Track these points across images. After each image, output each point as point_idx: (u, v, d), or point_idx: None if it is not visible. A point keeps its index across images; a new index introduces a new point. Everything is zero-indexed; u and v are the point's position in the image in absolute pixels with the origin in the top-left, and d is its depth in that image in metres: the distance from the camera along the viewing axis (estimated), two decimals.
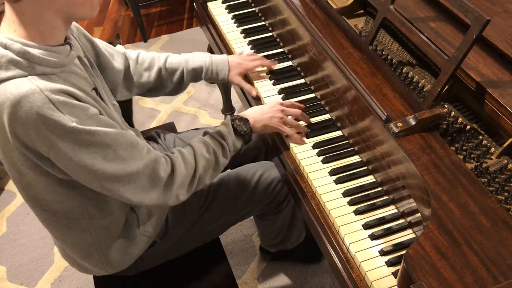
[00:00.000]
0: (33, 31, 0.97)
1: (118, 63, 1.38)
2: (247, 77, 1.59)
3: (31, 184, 1.08)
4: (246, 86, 1.54)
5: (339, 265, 1.15)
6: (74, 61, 1.07)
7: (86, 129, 0.98)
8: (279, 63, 1.60)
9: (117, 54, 1.39)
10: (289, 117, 1.37)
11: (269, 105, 1.37)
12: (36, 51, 0.96)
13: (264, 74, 1.57)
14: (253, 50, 1.66)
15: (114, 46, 1.42)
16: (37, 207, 1.14)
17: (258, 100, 1.53)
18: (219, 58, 1.51)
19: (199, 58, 1.49)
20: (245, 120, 1.31)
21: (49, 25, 0.99)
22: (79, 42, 1.20)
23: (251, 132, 1.32)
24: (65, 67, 1.02)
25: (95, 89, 1.12)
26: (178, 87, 1.51)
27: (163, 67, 1.46)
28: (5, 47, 0.94)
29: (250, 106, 1.58)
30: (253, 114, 1.34)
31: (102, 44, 1.34)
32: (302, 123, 1.39)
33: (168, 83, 1.48)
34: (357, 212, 1.18)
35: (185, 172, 1.16)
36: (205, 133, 1.29)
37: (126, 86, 1.44)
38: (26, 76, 0.94)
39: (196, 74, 1.50)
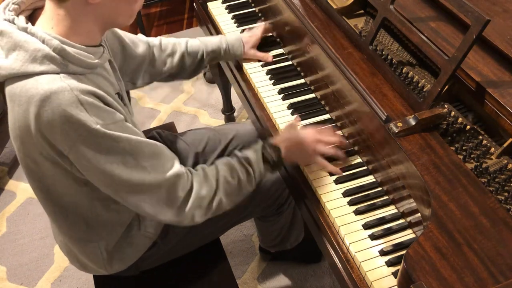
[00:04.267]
0: (71, 31, 0.99)
1: (141, 51, 1.41)
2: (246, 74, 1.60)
3: (46, 175, 1.08)
4: (261, 54, 1.60)
5: (339, 265, 1.15)
6: (105, 64, 1.08)
7: (109, 133, 0.98)
8: (279, 63, 1.60)
9: (140, 42, 1.42)
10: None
11: (305, 133, 1.27)
12: (72, 50, 0.97)
13: (264, 73, 1.57)
14: None
15: None
16: (47, 198, 1.15)
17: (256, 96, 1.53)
18: (233, 38, 1.58)
19: (216, 41, 1.55)
20: (276, 149, 1.23)
21: (86, 29, 1.01)
22: (107, 40, 1.23)
23: (281, 161, 1.24)
24: (96, 69, 1.03)
25: (119, 93, 1.13)
26: (196, 70, 1.56)
27: (186, 52, 1.50)
28: (44, 41, 0.95)
29: (250, 105, 1.58)
30: (286, 143, 1.24)
31: (125, 34, 1.38)
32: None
33: (188, 67, 1.53)
34: (357, 212, 1.18)
35: (203, 193, 1.13)
36: (233, 155, 1.23)
37: (150, 73, 1.47)
38: (58, 73, 0.95)
39: (215, 55, 1.56)
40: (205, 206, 1.14)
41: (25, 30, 0.96)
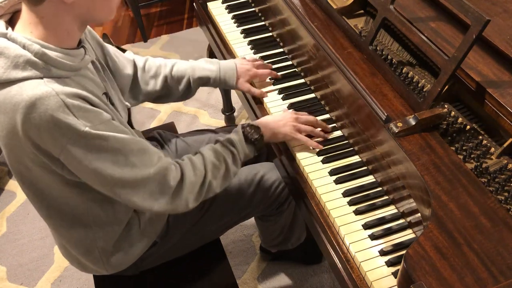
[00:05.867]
0: (50, 34, 0.98)
1: (128, 70, 1.38)
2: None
3: (38, 179, 1.08)
4: (256, 91, 1.50)
5: (339, 265, 1.15)
6: (88, 65, 1.08)
7: (98, 134, 0.98)
8: (279, 63, 1.60)
9: (127, 61, 1.39)
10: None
11: (282, 113, 1.35)
12: (53, 54, 0.96)
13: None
14: (253, 51, 1.66)
15: None
16: (42, 203, 1.15)
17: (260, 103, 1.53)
18: (227, 67, 1.48)
19: (207, 67, 1.47)
20: (256, 128, 1.28)
21: (65, 29, 1.00)
22: (91, 45, 1.21)
23: (263, 139, 1.29)
24: (79, 70, 1.02)
25: (106, 93, 1.12)
26: (185, 94, 1.50)
27: (169, 75, 1.45)
28: (24, 47, 0.94)
29: (250, 106, 1.58)
30: (265, 121, 1.32)
31: (113, 50, 1.35)
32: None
33: (175, 91, 1.47)
34: (357, 212, 1.18)
35: (194, 179, 1.16)
36: (216, 141, 1.27)
37: (133, 94, 1.44)
38: (41, 78, 0.95)
39: (203, 83, 1.48)
40: (196, 191, 1.17)
41: (4, 36, 0.95)
